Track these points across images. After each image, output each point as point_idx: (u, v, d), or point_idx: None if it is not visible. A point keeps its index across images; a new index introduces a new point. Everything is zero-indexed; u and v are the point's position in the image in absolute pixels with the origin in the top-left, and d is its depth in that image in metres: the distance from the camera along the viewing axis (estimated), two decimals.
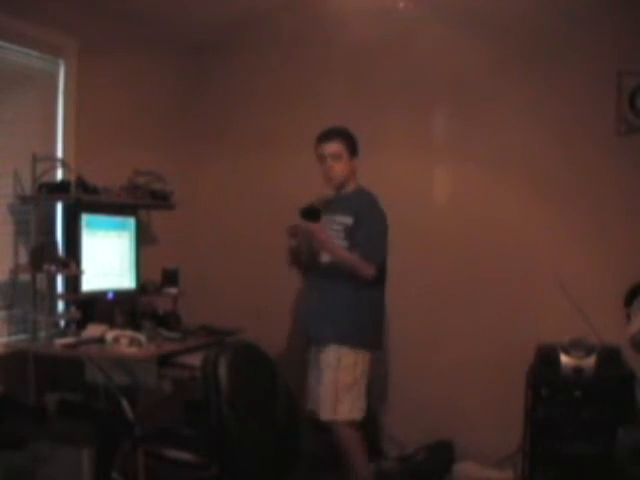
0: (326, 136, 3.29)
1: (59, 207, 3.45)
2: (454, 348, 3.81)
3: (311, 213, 3.08)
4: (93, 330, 3.24)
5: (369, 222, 3.18)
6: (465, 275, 3.80)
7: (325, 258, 3.21)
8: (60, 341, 3.13)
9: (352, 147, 3.29)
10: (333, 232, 3.18)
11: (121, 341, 3.14)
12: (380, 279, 3.23)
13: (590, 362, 3.22)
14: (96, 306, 3.45)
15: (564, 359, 3.26)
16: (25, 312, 3.27)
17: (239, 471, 2.49)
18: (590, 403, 3.17)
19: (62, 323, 3.38)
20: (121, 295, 3.63)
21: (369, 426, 3.91)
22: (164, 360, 3.21)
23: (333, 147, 3.25)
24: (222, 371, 2.54)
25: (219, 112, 4.43)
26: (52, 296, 3.32)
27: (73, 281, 3.32)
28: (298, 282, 4.13)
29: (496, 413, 3.63)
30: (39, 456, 2.76)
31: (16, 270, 3.25)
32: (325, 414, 3.16)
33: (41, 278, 3.27)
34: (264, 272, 4.23)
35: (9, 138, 3.27)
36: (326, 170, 3.26)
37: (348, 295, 3.18)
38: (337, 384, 3.13)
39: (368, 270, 3.12)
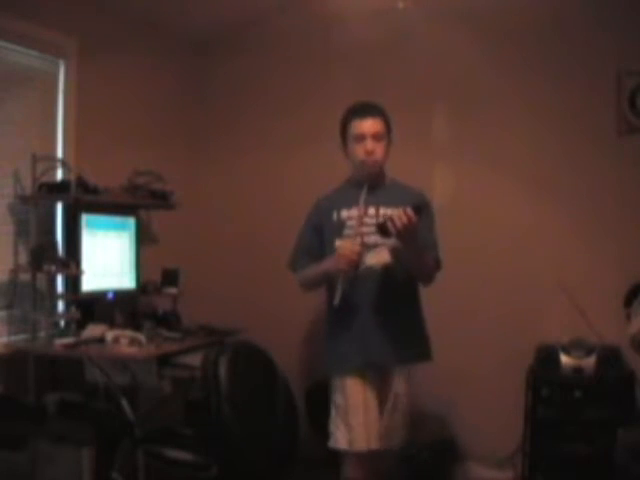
0: (367, 111, 2.71)
1: (59, 207, 3.45)
2: (454, 348, 3.81)
3: (419, 210, 2.49)
4: (93, 330, 3.24)
5: (432, 223, 2.78)
6: (465, 275, 3.80)
7: (372, 260, 2.65)
8: (60, 341, 3.13)
9: (390, 130, 2.79)
10: (373, 227, 2.62)
11: (121, 341, 3.14)
12: None
13: (590, 362, 3.22)
14: (96, 306, 3.45)
15: (564, 359, 3.26)
16: (25, 312, 3.26)
17: (239, 471, 2.49)
18: (590, 403, 3.18)
19: (62, 323, 3.38)
20: (121, 295, 3.63)
21: None
22: (164, 360, 3.21)
23: (377, 125, 2.69)
24: (222, 371, 2.55)
25: (219, 112, 4.43)
26: (52, 296, 3.32)
27: (73, 281, 3.32)
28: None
29: (496, 413, 3.63)
30: (39, 456, 2.76)
31: (16, 270, 3.25)
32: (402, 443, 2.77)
33: (41, 278, 3.26)
34: (264, 272, 4.23)
35: (9, 138, 3.27)
36: (365, 151, 2.67)
37: (418, 305, 2.80)
38: (409, 410, 2.77)
39: (436, 272, 2.76)
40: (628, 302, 3.09)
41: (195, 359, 3.05)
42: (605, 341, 3.30)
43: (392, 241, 2.54)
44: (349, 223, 2.67)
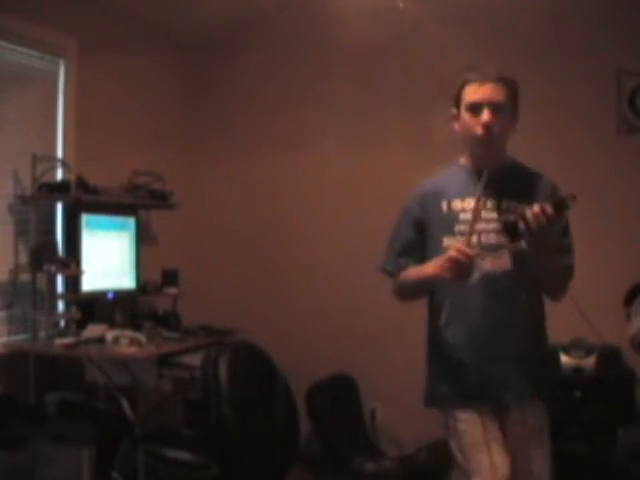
0: (489, 74, 2.12)
1: (59, 207, 3.45)
2: None
3: (562, 207, 2.07)
4: (93, 330, 3.24)
5: (568, 222, 2.29)
6: None
7: (491, 266, 2.09)
8: (60, 341, 3.13)
9: (517, 104, 2.17)
10: (493, 224, 2.10)
11: (121, 341, 3.14)
12: None
13: (590, 362, 3.22)
14: (96, 306, 3.45)
15: (564, 359, 3.26)
16: (25, 312, 3.26)
17: (239, 471, 2.49)
18: (590, 403, 3.17)
19: (62, 323, 3.38)
20: (121, 295, 3.63)
21: (369, 425, 3.93)
22: (164, 360, 3.21)
23: (499, 93, 2.09)
24: (222, 371, 2.55)
25: (219, 112, 4.42)
26: (52, 296, 3.32)
27: (73, 281, 3.32)
28: (300, 282, 4.13)
29: None
30: (39, 456, 2.76)
31: (16, 270, 3.25)
32: None
33: (41, 278, 3.26)
34: (264, 272, 4.23)
35: (9, 138, 3.27)
36: (481, 124, 2.09)
37: (544, 325, 2.22)
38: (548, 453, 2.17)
39: (568, 287, 2.27)
40: (628, 302, 3.09)
41: (195, 359, 3.06)
42: (605, 341, 3.29)
43: (517, 243, 2.02)
44: (463, 217, 2.10)
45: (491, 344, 2.08)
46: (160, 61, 4.17)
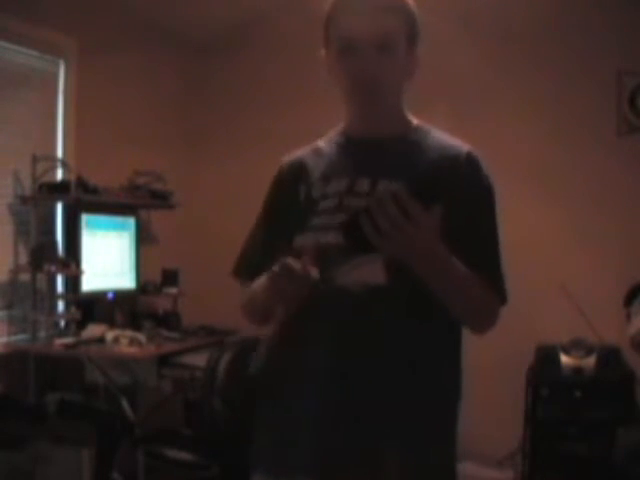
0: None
1: (59, 207, 3.45)
2: None
3: (429, 195, 1.29)
4: (93, 330, 3.24)
5: (488, 216, 1.62)
6: None
7: (348, 278, 1.39)
8: (60, 341, 3.13)
9: (414, 32, 1.58)
10: None
11: (121, 341, 3.14)
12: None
13: (590, 362, 3.22)
14: (96, 306, 3.45)
15: (564, 359, 3.26)
16: (25, 312, 3.26)
17: (239, 471, 2.49)
18: (590, 403, 3.18)
19: (62, 323, 3.38)
20: (121, 295, 3.63)
21: None
22: (164, 360, 3.21)
23: (385, 23, 1.47)
24: (221, 368, 2.55)
25: (219, 112, 4.42)
26: (52, 296, 3.32)
27: (73, 281, 3.32)
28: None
29: (496, 413, 3.63)
30: (39, 456, 2.76)
31: (16, 270, 3.25)
32: None
33: (41, 278, 3.26)
34: None
35: (9, 138, 3.27)
36: (354, 71, 1.46)
37: (441, 357, 1.60)
38: None
39: (496, 308, 1.63)
40: (628, 302, 3.09)
41: (195, 359, 3.06)
42: (605, 341, 3.30)
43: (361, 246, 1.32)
44: (323, 206, 1.47)
45: (334, 394, 1.41)
46: (160, 61, 4.17)
